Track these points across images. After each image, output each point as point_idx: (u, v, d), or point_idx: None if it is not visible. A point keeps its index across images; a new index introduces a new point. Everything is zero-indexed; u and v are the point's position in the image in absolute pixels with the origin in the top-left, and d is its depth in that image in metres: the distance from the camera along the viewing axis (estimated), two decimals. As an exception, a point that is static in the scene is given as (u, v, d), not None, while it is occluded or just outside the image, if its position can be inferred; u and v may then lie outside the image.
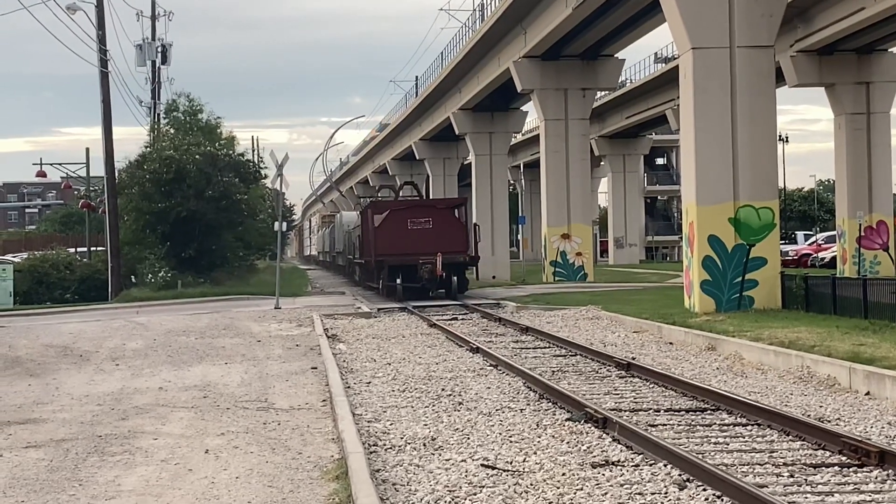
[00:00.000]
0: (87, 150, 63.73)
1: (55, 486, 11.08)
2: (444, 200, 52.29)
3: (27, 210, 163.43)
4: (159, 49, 61.02)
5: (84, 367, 21.94)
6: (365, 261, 47.05)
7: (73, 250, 57.59)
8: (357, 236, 50.62)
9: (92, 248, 57.94)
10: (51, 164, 75.57)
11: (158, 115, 61.52)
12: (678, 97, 33.91)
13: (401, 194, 56.06)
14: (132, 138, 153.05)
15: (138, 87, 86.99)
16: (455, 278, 41.13)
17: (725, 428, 13.60)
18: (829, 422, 13.77)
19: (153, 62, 61.05)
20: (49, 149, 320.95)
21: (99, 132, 48.82)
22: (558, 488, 10.44)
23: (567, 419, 14.19)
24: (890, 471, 10.96)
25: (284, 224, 42.55)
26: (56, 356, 23.96)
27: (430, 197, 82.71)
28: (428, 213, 42.78)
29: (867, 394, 16.14)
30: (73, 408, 16.44)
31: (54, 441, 13.60)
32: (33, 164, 70.31)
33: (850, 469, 11.16)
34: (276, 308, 37.17)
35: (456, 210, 43.79)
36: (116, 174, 50.21)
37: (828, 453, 11.90)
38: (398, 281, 40.88)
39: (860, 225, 48.25)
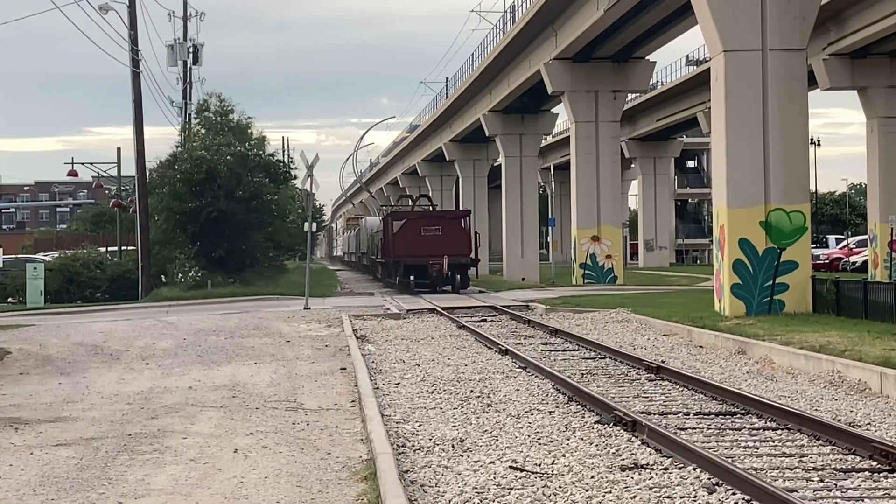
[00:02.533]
0: (119, 149, 63.95)
1: (85, 485, 11.12)
2: (451, 212, 60.35)
3: (58, 209, 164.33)
4: (191, 49, 61.25)
5: (114, 366, 22.03)
6: (385, 260, 54.08)
7: (103, 249, 57.87)
8: (379, 239, 57.51)
9: (122, 248, 58.24)
10: (82, 164, 75.97)
11: (189, 115, 61.75)
12: (709, 100, 33.85)
13: (419, 203, 61.42)
14: (163, 138, 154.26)
15: (170, 87, 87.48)
16: (458, 276, 48.66)
17: (755, 432, 13.55)
18: (860, 427, 13.70)
19: (184, 62, 61.26)
20: (81, 148, 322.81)
21: (130, 132, 49.05)
22: (587, 491, 10.41)
23: (596, 422, 14.16)
24: (921, 476, 10.89)
25: (314, 225, 42.95)
26: (86, 355, 24.07)
27: (460, 198, 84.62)
28: (437, 221, 50.70)
29: (898, 399, 16.04)
30: (103, 406, 16.51)
31: (84, 439, 13.66)
32: (65, 164, 70.72)
33: (881, 474, 11.09)
34: (305, 308, 37.24)
35: (461, 220, 51.13)
36: (147, 174, 50.37)
37: (858, 458, 11.84)
38: (412, 278, 48.13)
39: (892, 229, 47.96)
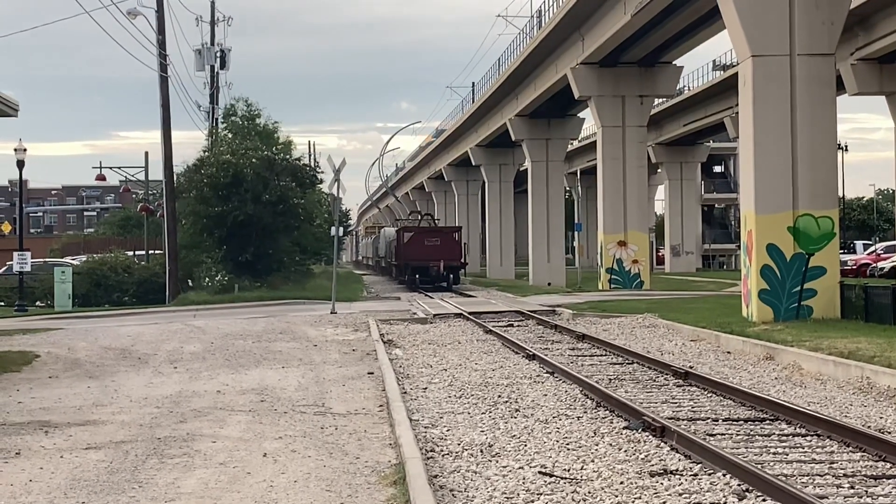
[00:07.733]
0: (147, 153, 64.56)
1: (115, 488, 11.16)
2: (448, 227, 73.18)
3: (86, 213, 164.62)
4: (218, 54, 61.49)
5: (142, 370, 22.11)
6: (397, 263, 68.45)
7: (131, 253, 58.14)
8: (394, 246, 70.84)
9: (150, 252, 58.44)
10: (110, 168, 76.46)
11: (216, 119, 61.96)
12: (736, 105, 33.69)
13: (425, 219, 76.65)
14: (190, 142, 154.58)
15: (197, 91, 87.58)
16: (451, 276, 61.59)
17: (784, 438, 13.50)
18: (890, 433, 13.63)
19: (212, 67, 61.50)
20: (108, 152, 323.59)
21: (158, 136, 49.32)
22: (616, 497, 10.40)
23: (624, 427, 14.13)
24: (953, 484, 10.83)
25: (341, 229, 43.06)
26: (115, 358, 24.17)
27: (486, 203, 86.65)
28: (437, 235, 64.62)
29: (928, 405, 15.95)
30: (132, 410, 16.57)
31: (114, 443, 13.71)
32: (93, 168, 71.22)
33: (912, 481, 11.04)
34: (332, 313, 37.30)
35: (455, 234, 64.86)
36: (175, 178, 50.53)
37: (888, 465, 11.78)
38: (417, 276, 61.16)
39: (920, 235, 47.75)
